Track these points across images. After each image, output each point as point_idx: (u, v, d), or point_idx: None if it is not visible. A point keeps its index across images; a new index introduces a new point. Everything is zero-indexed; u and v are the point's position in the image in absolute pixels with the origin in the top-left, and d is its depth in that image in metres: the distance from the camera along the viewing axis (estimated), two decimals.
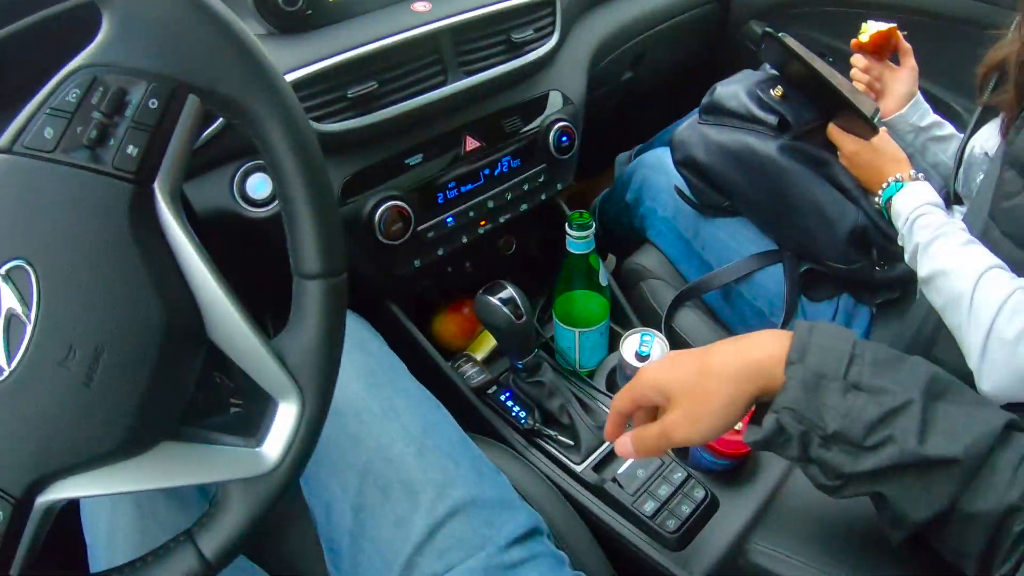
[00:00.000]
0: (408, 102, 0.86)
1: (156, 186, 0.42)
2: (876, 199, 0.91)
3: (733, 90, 1.05)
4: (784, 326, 1.01)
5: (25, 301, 0.39)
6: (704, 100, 1.08)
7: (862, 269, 0.98)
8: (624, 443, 0.59)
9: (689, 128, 1.08)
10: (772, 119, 1.00)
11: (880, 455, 0.45)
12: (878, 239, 0.94)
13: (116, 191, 0.40)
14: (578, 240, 0.91)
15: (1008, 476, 0.44)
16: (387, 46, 0.83)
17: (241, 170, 0.82)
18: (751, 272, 1.06)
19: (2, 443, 0.40)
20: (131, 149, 0.41)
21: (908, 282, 0.93)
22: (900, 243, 0.86)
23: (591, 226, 0.90)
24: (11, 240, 0.40)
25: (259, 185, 0.83)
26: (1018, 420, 0.46)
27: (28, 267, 0.39)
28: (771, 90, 1.02)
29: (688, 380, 0.53)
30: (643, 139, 1.50)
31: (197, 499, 0.72)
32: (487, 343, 1.02)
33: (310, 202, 0.45)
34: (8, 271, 0.40)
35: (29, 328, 0.39)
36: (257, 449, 0.46)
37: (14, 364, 0.39)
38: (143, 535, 0.66)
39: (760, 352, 0.51)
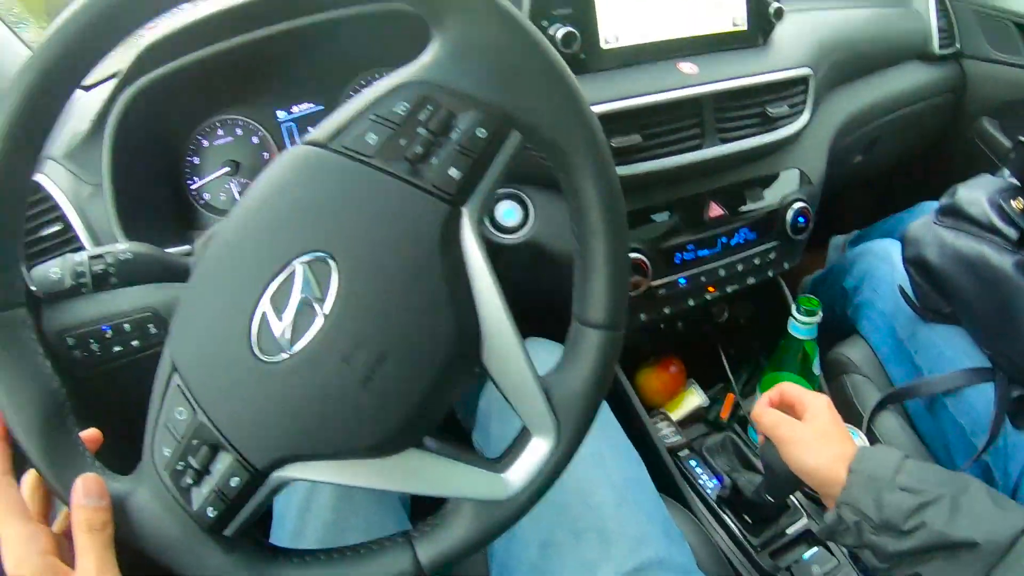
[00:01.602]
0: (667, 159, 0.87)
1: (465, 209, 0.42)
2: None
3: (976, 195, 1.00)
4: (985, 449, 0.96)
5: (320, 293, 0.40)
6: (943, 201, 1.03)
7: None
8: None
9: (924, 227, 1.04)
10: (1012, 232, 0.95)
11: (916, 537, 0.55)
12: None
13: (432, 207, 0.41)
14: (802, 326, 0.90)
15: None
16: (656, 102, 0.85)
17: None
18: (961, 386, 1.01)
19: (263, 417, 0.41)
20: (453, 171, 0.41)
21: None
22: None
23: (818, 314, 0.89)
24: (318, 233, 0.41)
25: (508, 212, 0.86)
26: None
27: (331, 261, 0.40)
28: (1012, 200, 0.97)
29: (824, 438, 0.66)
30: (858, 225, 1.45)
31: (395, 502, 0.74)
32: (685, 404, 1.02)
33: (609, 256, 0.45)
34: (310, 261, 0.40)
35: (320, 320, 0.40)
36: (501, 475, 0.47)
37: (297, 349, 0.40)
38: (336, 521, 0.68)
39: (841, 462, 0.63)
